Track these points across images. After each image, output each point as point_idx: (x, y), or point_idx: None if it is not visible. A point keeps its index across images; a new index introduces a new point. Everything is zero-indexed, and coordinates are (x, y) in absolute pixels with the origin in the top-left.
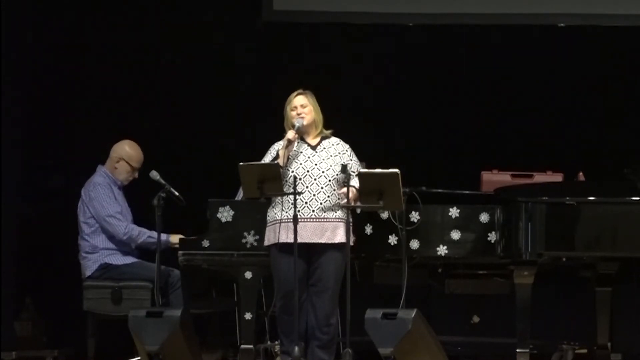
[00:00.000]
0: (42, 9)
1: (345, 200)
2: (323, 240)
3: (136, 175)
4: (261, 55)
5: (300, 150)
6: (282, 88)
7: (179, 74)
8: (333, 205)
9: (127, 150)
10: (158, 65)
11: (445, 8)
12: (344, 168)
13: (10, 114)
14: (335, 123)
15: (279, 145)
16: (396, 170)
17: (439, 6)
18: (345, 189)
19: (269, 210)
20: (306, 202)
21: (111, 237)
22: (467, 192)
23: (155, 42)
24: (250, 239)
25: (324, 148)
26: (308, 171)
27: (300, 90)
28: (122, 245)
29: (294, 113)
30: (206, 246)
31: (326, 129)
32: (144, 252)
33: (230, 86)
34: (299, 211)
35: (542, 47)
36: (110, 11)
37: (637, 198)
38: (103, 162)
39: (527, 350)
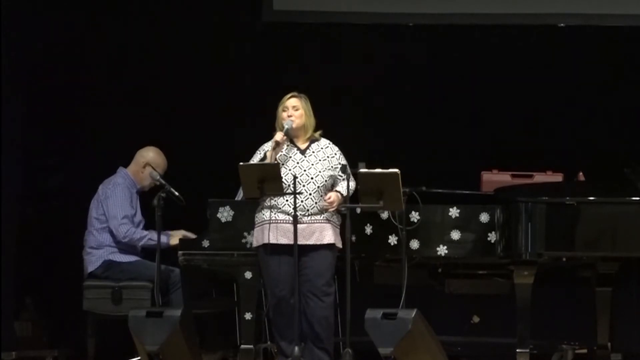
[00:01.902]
0: (42, 9)
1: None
2: (311, 242)
3: (157, 182)
4: (261, 55)
5: (290, 155)
6: (282, 88)
7: (178, 74)
8: (320, 210)
9: (154, 157)
10: (157, 65)
11: (445, 8)
12: (343, 168)
13: (10, 114)
14: (334, 123)
15: (267, 146)
16: (396, 170)
17: (439, 6)
18: (330, 195)
19: (256, 212)
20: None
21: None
22: (467, 192)
23: (155, 41)
24: (250, 239)
25: (313, 152)
26: (296, 177)
27: (294, 93)
28: (127, 245)
29: (284, 114)
30: (206, 246)
31: (316, 130)
32: (147, 252)
33: (230, 86)
34: (288, 214)
35: (542, 47)
36: (109, 11)
37: (637, 198)
38: (104, 162)
39: (527, 350)
